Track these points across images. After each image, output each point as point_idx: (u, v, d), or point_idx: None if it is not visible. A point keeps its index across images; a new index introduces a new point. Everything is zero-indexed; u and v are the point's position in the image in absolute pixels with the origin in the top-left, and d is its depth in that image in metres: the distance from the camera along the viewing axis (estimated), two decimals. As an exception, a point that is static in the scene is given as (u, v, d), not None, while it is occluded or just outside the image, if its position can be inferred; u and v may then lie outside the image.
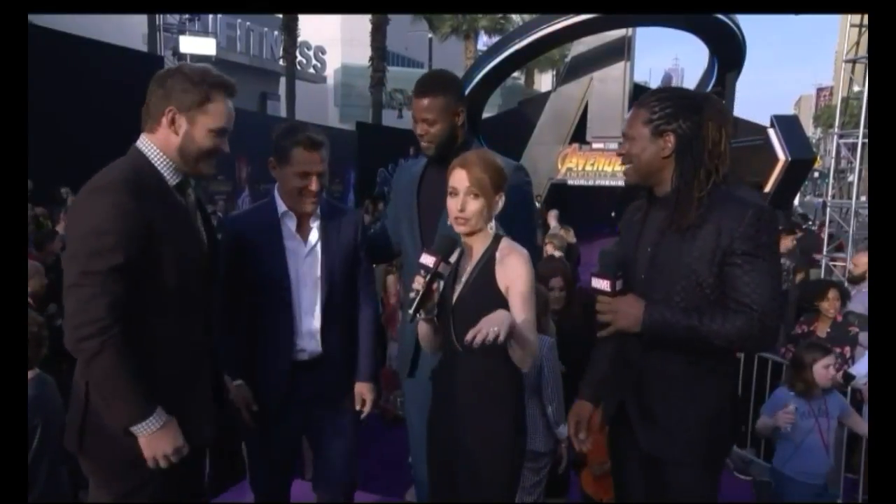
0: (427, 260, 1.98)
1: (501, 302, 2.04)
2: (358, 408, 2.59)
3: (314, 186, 2.42)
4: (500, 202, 2.11)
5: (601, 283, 1.99)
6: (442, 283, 2.02)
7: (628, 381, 2.08)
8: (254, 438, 2.56)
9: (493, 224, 2.13)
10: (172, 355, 1.94)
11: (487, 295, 2.05)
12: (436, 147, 2.55)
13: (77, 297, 1.77)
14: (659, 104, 2.01)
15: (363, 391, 2.59)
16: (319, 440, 2.60)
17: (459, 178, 2.07)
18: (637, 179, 2.09)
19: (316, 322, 2.49)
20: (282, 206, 2.50)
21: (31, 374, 2.69)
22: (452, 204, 2.08)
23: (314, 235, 2.52)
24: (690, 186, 1.96)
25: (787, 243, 7.14)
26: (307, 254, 2.49)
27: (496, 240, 2.12)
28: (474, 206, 2.05)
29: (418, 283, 1.96)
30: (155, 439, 1.84)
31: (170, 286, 1.90)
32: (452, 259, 2.04)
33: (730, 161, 2.00)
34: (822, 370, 3.42)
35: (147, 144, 1.94)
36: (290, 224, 2.50)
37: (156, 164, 1.93)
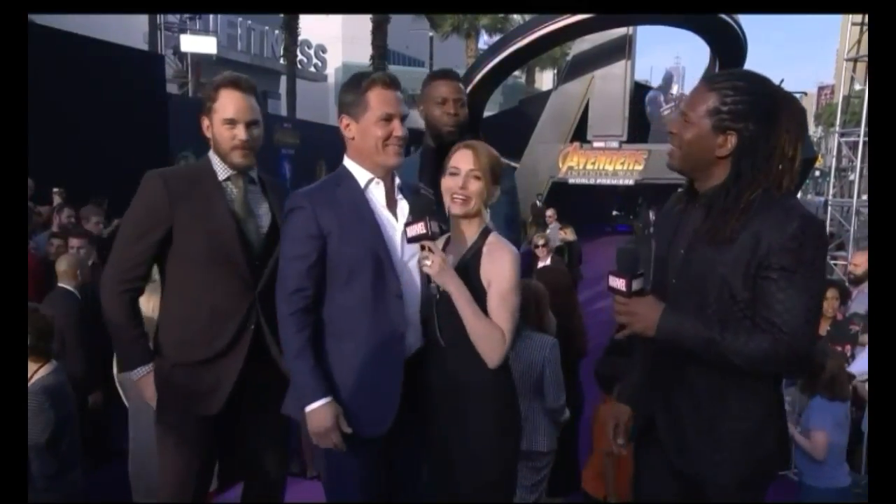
0: (412, 230, 1.98)
1: (483, 297, 2.00)
2: None
3: (399, 131, 2.07)
4: (496, 193, 2.09)
5: (617, 282, 1.83)
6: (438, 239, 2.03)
7: (658, 394, 1.94)
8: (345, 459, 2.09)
9: (487, 214, 2.10)
10: (193, 321, 2.25)
11: (470, 288, 1.99)
12: (460, 130, 2.61)
13: (112, 253, 2.28)
14: (733, 94, 1.73)
15: None
16: (406, 453, 2.21)
17: (464, 159, 2.06)
18: (680, 167, 1.86)
19: (417, 313, 2.11)
20: (363, 174, 2.11)
21: (49, 366, 2.74)
22: (452, 182, 2.05)
23: (403, 208, 2.15)
24: (740, 196, 1.73)
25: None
26: (401, 231, 2.10)
27: (485, 233, 2.08)
28: (475, 186, 2.04)
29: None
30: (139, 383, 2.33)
31: (191, 261, 2.23)
32: (433, 226, 1.96)
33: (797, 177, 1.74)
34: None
35: (211, 149, 2.35)
36: (379, 195, 2.12)
37: (213, 164, 2.32)
